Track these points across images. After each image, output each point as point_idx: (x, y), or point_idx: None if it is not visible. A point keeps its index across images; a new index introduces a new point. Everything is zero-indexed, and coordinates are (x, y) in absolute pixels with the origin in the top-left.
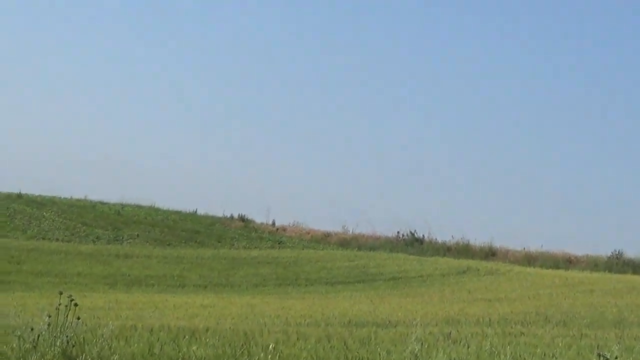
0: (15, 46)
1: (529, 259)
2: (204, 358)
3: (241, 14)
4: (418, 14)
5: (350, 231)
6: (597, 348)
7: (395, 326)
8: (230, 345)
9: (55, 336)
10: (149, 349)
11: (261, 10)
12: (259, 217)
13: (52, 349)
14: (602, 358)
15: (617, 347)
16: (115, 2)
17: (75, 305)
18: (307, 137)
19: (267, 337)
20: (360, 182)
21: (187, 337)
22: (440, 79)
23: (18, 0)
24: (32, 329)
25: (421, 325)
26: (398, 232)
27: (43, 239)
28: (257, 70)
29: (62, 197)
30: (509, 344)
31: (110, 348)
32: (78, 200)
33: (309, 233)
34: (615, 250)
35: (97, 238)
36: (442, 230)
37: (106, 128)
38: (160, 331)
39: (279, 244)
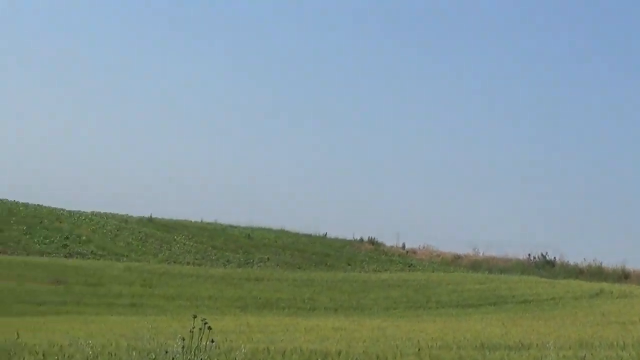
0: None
1: None
2: None
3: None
4: None
5: (481, 253)
6: None
7: (528, 349)
8: None
9: (189, 359)
10: None
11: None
12: (388, 240)
13: None
14: None
15: None
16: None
17: (209, 328)
18: (437, 161)
19: None
20: (491, 205)
21: None
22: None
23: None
24: (166, 352)
25: (554, 348)
26: (529, 255)
27: (174, 262)
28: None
29: (193, 220)
30: None
31: None
32: (208, 223)
33: (439, 255)
34: None
35: (227, 261)
36: (573, 253)
37: (235, 153)
38: (293, 354)
39: (409, 266)
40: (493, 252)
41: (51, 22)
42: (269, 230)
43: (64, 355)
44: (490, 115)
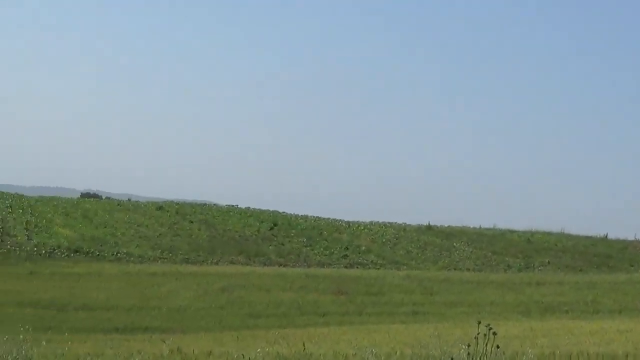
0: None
1: None
2: None
3: None
4: None
5: None
6: None
7: None
8: None
9: None
10: None
11: None
12: None
13: None
14: None
15: None
16: None
17: (494, 333)
18: None
19: None
20: None
21: None
22: None
23: None
24: (451, 359)
25: None
26: None
27: (454, 269)
28: None
29: (471, 226)
30: None
31: None
32: (487, 229)
33: None
34: None
35: (508, 266)
36: None
37: (511, 157)
38: (579, 358)
39: None
40: None
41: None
42: (549, 233)
43: None
44: None
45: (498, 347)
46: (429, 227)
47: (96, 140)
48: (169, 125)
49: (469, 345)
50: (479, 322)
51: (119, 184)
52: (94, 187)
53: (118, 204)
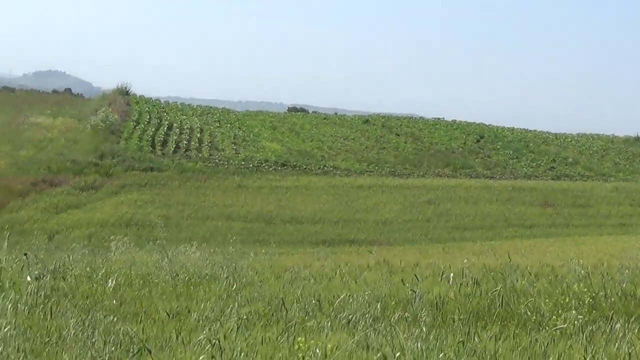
0: None
1: None
2: None
3: None
4: None
5: None
6: None
7: None
8: None
9: None
10: None
11: None
12: None
13: None
14: None
15: None
16: None
17: None
18: None
19: None
20: None
21: None
22: None
23: None
24: None
25: None
26: None
27: None
28: None
29: None
30: None
31: None
32: None
33: None
34: None
35: None
36: None
37: None
38: None
39: None
40: None
41: None
42: None
43: (556, 276)
44: None
45: None
46: (638, 139)
47: (300, 56)
48: (376, 39)
49: None
50: None
51: (326, 98)
52: (300, 101)
53: (324, 118)
